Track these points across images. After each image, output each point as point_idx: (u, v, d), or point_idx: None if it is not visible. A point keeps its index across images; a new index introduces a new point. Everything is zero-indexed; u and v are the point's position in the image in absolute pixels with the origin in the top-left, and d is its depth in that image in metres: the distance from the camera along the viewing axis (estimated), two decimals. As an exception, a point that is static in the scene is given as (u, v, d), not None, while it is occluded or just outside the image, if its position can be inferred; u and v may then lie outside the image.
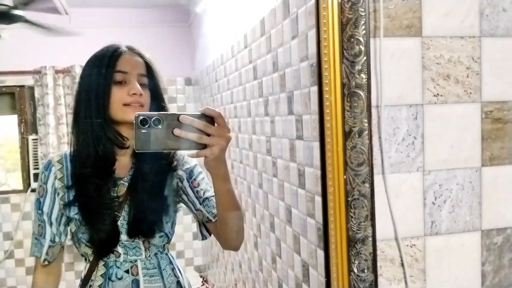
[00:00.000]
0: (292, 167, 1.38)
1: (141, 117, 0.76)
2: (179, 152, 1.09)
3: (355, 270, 0.75)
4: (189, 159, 1.09)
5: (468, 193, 0.82)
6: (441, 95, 0.79)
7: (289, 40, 1.33)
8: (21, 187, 3.41)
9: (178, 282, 1.09)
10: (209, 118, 0.79)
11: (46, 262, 1.07)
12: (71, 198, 1.02)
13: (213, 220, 1.03)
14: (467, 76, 0.80)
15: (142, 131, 0.76)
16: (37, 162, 3.28)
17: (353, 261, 0.75)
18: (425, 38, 0.78)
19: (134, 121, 0.77)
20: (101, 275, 1.03)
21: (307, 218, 1.25)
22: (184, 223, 3.55)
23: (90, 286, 1.03)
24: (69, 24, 3.11)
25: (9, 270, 3.36)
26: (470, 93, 0.81)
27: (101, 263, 1.04)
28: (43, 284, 1.08)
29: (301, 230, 1.33)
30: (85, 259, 1.06)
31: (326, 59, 0.73)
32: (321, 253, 1.13)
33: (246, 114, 2.01)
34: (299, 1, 1.22)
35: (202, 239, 1.12)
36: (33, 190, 3.36)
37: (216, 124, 0.79)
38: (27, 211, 3.36)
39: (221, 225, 0.99)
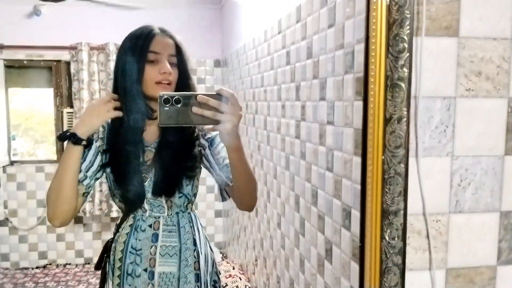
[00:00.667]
0: (321, 151, 1.48)
1: (165, 97, 0.91)
2: None
3: (387, 237, 0.89)
4: None
5: (491, 178, 0.94)
6: (473, 90, 0.91)
7: (325, 29, 1.42)
8: (54, 157, 3.61)
9: (194, 239, 1.25)
10: (223, 98, 0.92)
11: None
12: (107, 160, 1.19)
13: (231, 184, 1.18)
14: (497, 74, 0.91)
15: (165, 108, 0.91)
16: (71, 135, 3.47)
17: (386, 230, 0.88)
18: (461, 38, 0.90)
19: (158, 100, 0.91)
20: (129, 225, 1.22)
21: (333, 199, 1.37)
22: (207, 201, 3.73)
23: (120, 232, 1.23)
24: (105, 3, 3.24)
25: (41, 236, 3.60)
26: (499, 89, 0.92)
27: (131, 215, 1.22)
28: None
29: (326, 210, 1.44)
30: (121, 211, 1.26)
31: (373, 54, 0.85)
32: (345, 232, 1.26)
33: (276, 98, 2.11)
34: (337, -10, 1.32)
35: (223, 201, 1.27)
36: (66, 161, 3.56)
37: (229, 103, 0.93)
38: (59, 181, 3.56)
39: (236, 189, 1.15)
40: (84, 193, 1.18)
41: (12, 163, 3.51)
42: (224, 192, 1.25)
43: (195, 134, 1.23)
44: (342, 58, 1.27)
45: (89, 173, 1.17)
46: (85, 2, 3.09)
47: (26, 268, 3.58)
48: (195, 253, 1.24)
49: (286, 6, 1.89)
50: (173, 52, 1.16)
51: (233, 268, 2.90)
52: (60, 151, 3.55)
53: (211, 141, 1.23)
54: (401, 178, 0.87)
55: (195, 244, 1.25)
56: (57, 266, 3.62)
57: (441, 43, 0.89)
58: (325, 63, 1.42)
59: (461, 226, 0.94)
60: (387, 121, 0.86)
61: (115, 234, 1.26)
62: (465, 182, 0.93)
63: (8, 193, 3.51)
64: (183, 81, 1.18)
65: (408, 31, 0.84)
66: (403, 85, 0.85)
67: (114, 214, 3.44)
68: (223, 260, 3.29)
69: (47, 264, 3.62)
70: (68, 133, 1.09)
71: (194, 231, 1.26)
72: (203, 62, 3.61)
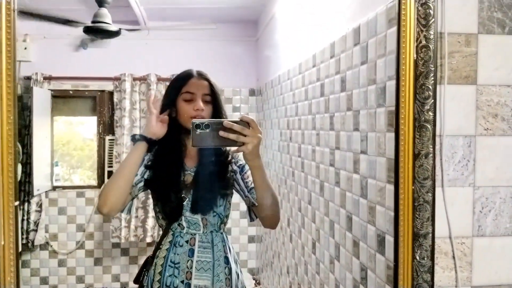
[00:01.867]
0: (355, 178, 1.66)
1: (196, 123, 1.17)
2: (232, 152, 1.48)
3: (417, 257, 1.08)
4: (241, 157, 1.47)
5: (509, 206, 1.12)
6: (490, 129, 1.11)
7: (358, 65, 1.62)
8: (95, 183, 3.91)
9: (226, 257, 1.47)
10: (245, 123, 1.16)
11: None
12: (150, 177, 1.42)
13: (256, 204, 1.40)
14: (511, 116, 1.11)
15: (197, 132, 1.17)
16: (112, 161, 3.76)
17: (416, 251, 1.08)
18: (479, 86, 1.11)
19: (191, 126, 1.17)
20: (169, 241, 1.45)
21: (367, 225, 1.55)
22: (240, 226, 3.93)
23: (160, 248, 1.45)
24: (147, 36, 3.60)
25: (79, 260, 3.85)
26: (514, 128, 1.12)
27: (170, 232, 1.45)
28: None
29: (361, 236, 1.62)
30: (161, 228, 1.49)
31: (403, 100, 1.07)
32: (380, 257, 1.42)
33: (311, 127, 2.31)
34: (369, 31, 1.51)
35: (251, 221, 1.49)
36: (106, 187, 3.83)
37: (250, 128, 1.16)
38: (99, 206, 3.83)
39: (259, 207, 1.37)
40: (133, 195, 1.39)
41: (54, 188, 3.83)
42: (252, 213, 1.48)
43: (228, 160, 1.48)
44: (374, 93, 1.46)
45: (141, 182, 1.41)
46: (130, 36, 3.44)
47: (64, 292, 3.84)
48: (226, 270, 1.46)
49: (319, 42, 2.11)
50: (206, 92, 1.43)
51: (267, 294, 3.05)
52: (101, 176, 3.86)
53: (242, 168, 1.46)
54: (429, 206, 1.07)
55: (226, 262, 1.47)
56: (93, 290, 3.86)
57: (462, 90, 1.10)
58: (358, 96, 1.61)
59: (484, 248, 1.12)
60: (416, 156, 1.06)
61: (155, 250, 1.48)
62: (486, 209, 1.12)
63: (50, 217, 3.82)
64: (217, 115, 1.45)
65: (433, 81, 1.05)
66: (429, 126, 1.06)
67: (149, 239, 3.69)
68: (256, 286, 3.45)
69: (84, 288, 3.88)
70: (136, 135, 1.37)
71: (226, 249, 1.48)
72: (238, 91, 3.89)
